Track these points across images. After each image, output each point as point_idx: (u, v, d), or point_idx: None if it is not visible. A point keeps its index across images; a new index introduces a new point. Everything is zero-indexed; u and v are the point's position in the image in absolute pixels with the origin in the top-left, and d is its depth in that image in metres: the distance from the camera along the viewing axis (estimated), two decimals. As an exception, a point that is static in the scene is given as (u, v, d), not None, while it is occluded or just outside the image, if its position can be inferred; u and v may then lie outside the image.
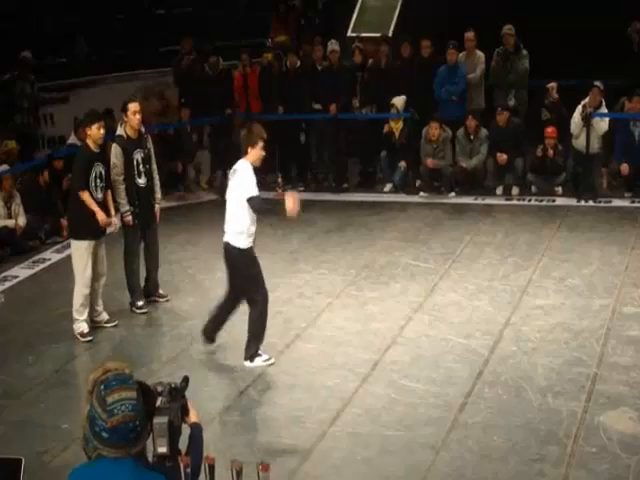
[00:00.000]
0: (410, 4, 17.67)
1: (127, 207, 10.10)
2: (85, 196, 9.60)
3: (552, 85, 14.57)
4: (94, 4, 17.79)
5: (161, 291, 10.61)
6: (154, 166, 10.37)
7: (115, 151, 10.04)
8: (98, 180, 9.63)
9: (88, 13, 17.90)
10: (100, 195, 9.69)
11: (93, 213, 9.59)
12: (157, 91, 16.75)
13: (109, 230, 10.06)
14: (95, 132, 9.56)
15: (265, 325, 8.84)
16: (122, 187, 10.05)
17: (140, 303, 10.34)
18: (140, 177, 10.14)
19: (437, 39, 15.06)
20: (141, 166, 10.12)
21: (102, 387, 3.65)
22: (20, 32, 16.67)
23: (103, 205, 9.79)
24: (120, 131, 10.12)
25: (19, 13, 17.09)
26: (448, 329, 9.51)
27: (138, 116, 10.03)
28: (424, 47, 15.08)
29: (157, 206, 10.44)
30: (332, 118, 15.04)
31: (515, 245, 12.03)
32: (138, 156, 10.10)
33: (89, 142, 9.64)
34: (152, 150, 10.35)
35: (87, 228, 9.64)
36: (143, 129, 10.28)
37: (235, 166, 8.64)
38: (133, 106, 10.01)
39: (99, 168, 9.63)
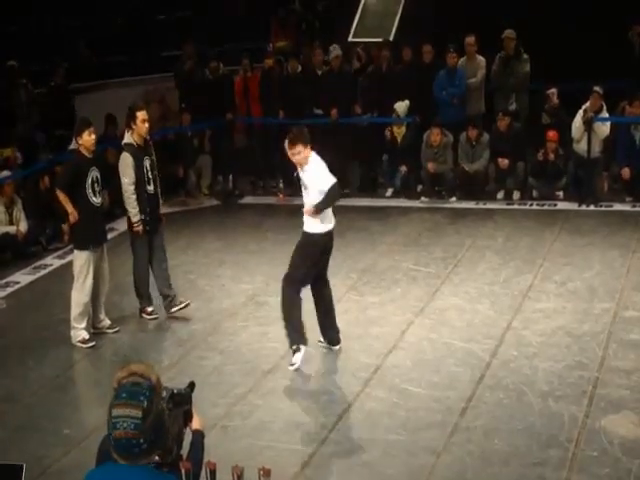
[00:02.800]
0: (411, 9, 17.67)
1: (138, 217, 9.98)
2: (61, 195, 9.62)
3: (552, 91, 14.59)
4: (95, 9, 17.81)
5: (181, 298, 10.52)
6: (156, 172, 10.32)
7: (126, 160, 9.91)
8: (95, 185, 9.60)
9: (89, 18, 17.92)
10: (99, 199, 9.68)
11: (92, 221, 9.58)
12: (158, 96, 16.76)
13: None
14: (87, 139, 9.51)
15: None
16: (134, 197, 9.93)
17: (150, 309, 10.33)
18: (150, 184, 10.06)
19: (438, 44, 15.06)
20: (149, 173, 10.05)
21: (114, 395, 3.62)
22: (21, 36, 16.70)
23: (101, 209, 9.82)
24: (129, 139, 9.99)
25: (20, 17, 17.11)
26: (449, 333, 9.51)
27: (147, 124, 9.94)
28: (425, 52, 15.08)
29: (161, 212, 10.42)
30: (333, 123, 15.04)
31: (516, 249, 12.03)
32: (147, 163, 10.02)
33: (82, 150, 9.58)
34: (154, 157, 10.29)
35: (88, 237, 9.63)
36: (148, 136, 10.22)
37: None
38: (141, 114, 9.90)
39: (95, 173, 9.59)
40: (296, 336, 8.83)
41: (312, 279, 8.95)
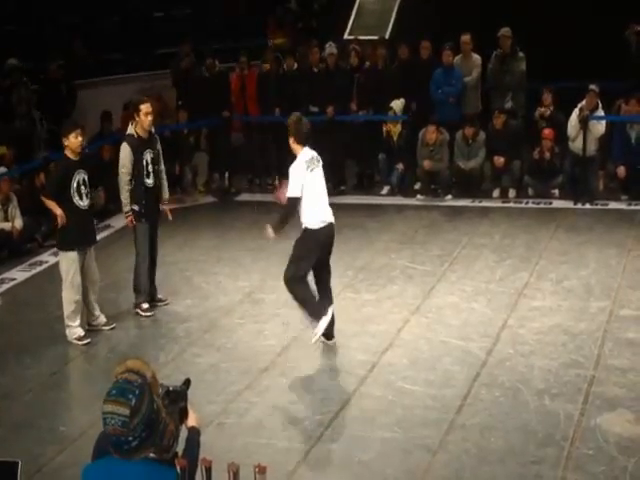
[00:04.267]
0: (407, 7, 17.67)
1: (129, 207, 10.06)
2: (47, 202, 9.61)
3: (539, 112, 14.60)
4: (92, 6, 17.79)
5: (160, 295, 10.59)
6: (162, 167, 10.35)
7: (124, 151, 9.98)
8: (82, 187, 9.56)
9: (86, 15, 17.89)
10: (86, 202, 9.63)
11: (79, 223, 9.53)
12: (155, 93, 16.73)
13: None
14: (73, 141, 9.49)
15: None
16: (127, 187, 10.00)
17: (145, 306, 10.32)
18: (149, 177, 10.09)
19: (434, 41, 15.07)
20: (150, 166, 10.08)
21: (108, 391, 3.64)
22: (17, 34, 16.68)
23: (89, 212, 9.78)
24: (130, 130, 10.07)
25: (17, 15, 17.08)
26: (445, 331, 9.52)
27: (150, 117, 9.98)
28: (423, 48, 15.09)
29: (165, 206, 10.38)
30: (329, 120, 15.03)
31: (512, 247, 12.03)
32: (148, 156, 10.05)
33: (67, 152, 9.55)
34: (160, 151, 10.32)
35: (73, 240, 9.59)
36: (153, 129, 10.25)
37: (314, 154, 9.06)
38: (145, 107, 9.93)
39: (81, 175, 9.54)
40: (315, 309, 9.02)
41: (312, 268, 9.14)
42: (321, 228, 8.97)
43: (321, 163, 9.11)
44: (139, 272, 10.31)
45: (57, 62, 15.94)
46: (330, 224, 9.06)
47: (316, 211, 8.96)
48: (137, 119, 10.01)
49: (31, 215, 12.84)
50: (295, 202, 8.90)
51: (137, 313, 10.31)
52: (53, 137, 14.49)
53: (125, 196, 10.05)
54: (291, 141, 9.02)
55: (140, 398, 3.61)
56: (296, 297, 9.11)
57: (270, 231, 9.04)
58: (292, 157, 9.13)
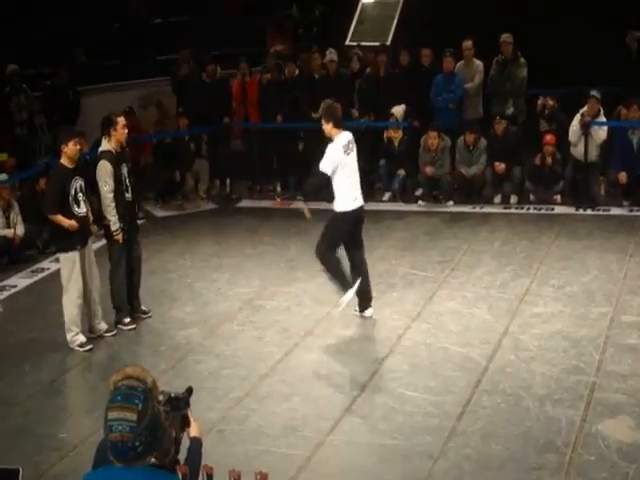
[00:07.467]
0: (409, 13, 17.69)
1: (118, 225, 9.83)
2: (55, 218, 9.49)
3: (541, 101, 14.57)
4: (92, 13, 17.82)
5: (143, 307, 10.38)
6: (134, 179, 10.14)
7: (105, 168, 9.73)
8: (80, 194, 9.53)
9: (86, 22, 17.92)
10: (84, 209, 9.59)
11: (77, 231, 9.46)
12: (155, 100, 16.77)
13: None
14: (71, 149, 9.42)
15: None
16: (113, 205, 9.77)
17: (127, 320, 10.15)
18: (127, 191, 9.90)
19: (435, 48, 15.08)
20: (127, 180, 9.90)
21: (110, 398, 3.63)
22: (17, 41, 16.70)
23: (86, 218, 9.69)
24: (107, 146, 9.81)
25: (17, 21, 17.11)
26: (446, 338, 9.50)
27: (126, 130, 9.83)
28: (424, 56, 15.10)
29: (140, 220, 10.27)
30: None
31: (513, 253, 12.02)
32: (124, 170, 9.88)
33: (64, 160, 9.48)
34: (130, 164, 10.11)
35: (71, 238, 9.53)
36: (124, 143, 10.00)
37: (350, 137, 9.79)
38: (121, 120, 9.76)
39: (78, 182, 9.50)
40: (343, 282, 9.69)
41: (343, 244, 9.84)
42: (353, 210, 9.65)
43: (355, 147, 9.79)
44: (116, 289, 10.12)
45: (62, 67, 15.97)
46: (361, 206, 9.78)
47: (350, 193, 9.63)
48: (113, 133, 9.74)
49: (32, 222, 12.84)
50: (324, 177, 9.59)
51: (120, 329, 10.11)
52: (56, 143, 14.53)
53: (112, 213, 9.79)
54: (329, 126, 9.67)
55: (145, 402, 3.63)
56: (327, 269, 9.75)
57: (306, 209, 10.08)
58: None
